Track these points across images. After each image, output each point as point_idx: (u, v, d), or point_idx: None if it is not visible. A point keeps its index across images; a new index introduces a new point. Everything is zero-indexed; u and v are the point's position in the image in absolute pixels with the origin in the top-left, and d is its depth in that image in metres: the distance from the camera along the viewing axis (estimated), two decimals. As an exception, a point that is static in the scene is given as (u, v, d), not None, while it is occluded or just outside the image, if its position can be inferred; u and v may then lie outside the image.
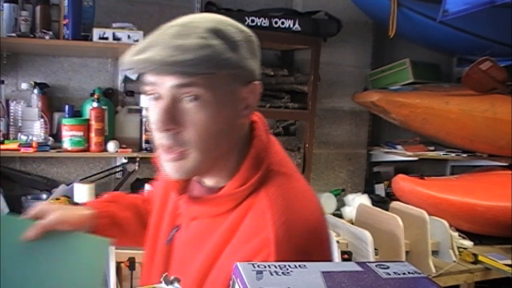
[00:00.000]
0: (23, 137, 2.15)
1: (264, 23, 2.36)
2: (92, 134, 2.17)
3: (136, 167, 2.29)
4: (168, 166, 0.78)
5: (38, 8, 2.19)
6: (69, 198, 2.12)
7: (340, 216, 2.41)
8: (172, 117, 0.74)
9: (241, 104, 0.79)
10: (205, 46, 0.72)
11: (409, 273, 0.66)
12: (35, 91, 2.28)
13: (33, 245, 0.86)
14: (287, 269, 0.63)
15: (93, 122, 2.19)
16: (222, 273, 0.75)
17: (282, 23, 2.40)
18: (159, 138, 0.76)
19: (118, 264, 1.73)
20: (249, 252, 0.74)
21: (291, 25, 2.41)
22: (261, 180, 0.79)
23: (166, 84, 0.73)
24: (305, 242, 0.75)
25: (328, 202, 2.57)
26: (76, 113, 2.33)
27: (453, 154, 2.73)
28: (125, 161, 2.30)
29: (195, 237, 0.83)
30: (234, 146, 0.81)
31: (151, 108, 0.77)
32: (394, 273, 0.66)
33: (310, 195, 0.83)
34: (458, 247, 2.07)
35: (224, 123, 0.76)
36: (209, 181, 0.85)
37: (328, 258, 0.80)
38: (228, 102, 0.76)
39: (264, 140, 0.82)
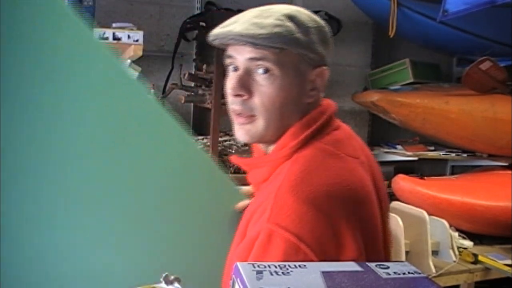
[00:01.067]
0: (23, 137, 2.15)
1: (264, 23, 2.36)
2: (92, 134, 2.17)
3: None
4: (238, 130, 0.89)
5: (38, 8, 2.19)
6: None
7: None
8: (244, 85, 0.84)
9: (309, 85, 0.87)
10: (278, 25, 0.82)
11: (409, 273, 0.66)
12: (35, 91, 2.28)
13: None
14: (287, 269, 0.63)
15: (93, 122, 2.18)
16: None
17: (282, 23, 2.40)
18: (232, 103, 0.87)
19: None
20: (259, 222, 0.80)
21: (291, 25, 2.41)
22: (295, 149, 0.85)
23: (242, 56, 0.85)
24: (317, 197, 0.78)
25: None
26: (76, 113, 2.33)
27: (453, 154, 2.73)
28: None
29: (247, 209, 0.90)
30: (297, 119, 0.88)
31: (229, 78, 0.88)
32: (394, 273, 0.66)
33: (347, 174, 0.83)
34: (458, 247, 2.07)
35: (289, 98, 0.85)
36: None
37: (352, 228, 0.79)
38: (295, 80, 0.85)
39: (315, 117, 0.88)
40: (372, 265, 0.68)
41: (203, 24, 2.49)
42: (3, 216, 0.90)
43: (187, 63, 2.62)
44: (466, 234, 2.24)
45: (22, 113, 0.89)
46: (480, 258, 2.04)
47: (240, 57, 0.85)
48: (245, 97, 0.85)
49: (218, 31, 0.86)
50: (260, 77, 0.84)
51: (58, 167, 0.93)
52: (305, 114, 0.88)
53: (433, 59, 2.96)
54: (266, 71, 0.84)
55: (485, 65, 2.34)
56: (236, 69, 0.87)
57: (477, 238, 2.26)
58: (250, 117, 0.86)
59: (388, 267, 0.67)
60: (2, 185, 0.88)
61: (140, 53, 2.19)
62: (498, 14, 2.25)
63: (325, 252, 0.76)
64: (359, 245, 0.79)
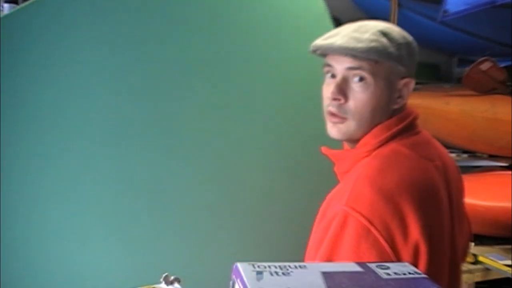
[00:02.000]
0: (23, 137, 2.14)
1: (264, 23, 2.36)
2: (92, 134, 2.17)
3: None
4: (332, 127, 1.00)
5: (38, 8, 2.19)
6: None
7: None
8: (342, 91, 0.96)
9: (396, 93, 0.99)
10: (374, 40, 0.94)
11: (409, 273, 0.66)
12: (35, 91, 2.28)
13: None
14: (287, 269, 0.63)
15: (93, 122, 2.18)
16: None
17: (282, 23, 2.39)
18: (329, 105, 0.99)
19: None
20: (334, 210, 0.91)
21: (291, 25, 2.41)
22: (375, 147, 0.97)
23: (341, 65, 0.97)
24: (389, 189, 0.88)
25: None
26: (76, 113, 2.33)
27: (453, 154, 2.72)
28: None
29: (329, 195, 1.01)
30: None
31: (327, 84, 1.00)
32: (394, 273, 0.65)
33: (418, 172, 0.94)
34: (458, 248, 2.07)
35: (379, 104, 0.97)
36: None
37: (421, 218, 0.88)
38: (385, 88, 0.97)
39: (396, 121, 0.99)
40: (372, 265, 0.68)
41: (203, 24, 2.49)
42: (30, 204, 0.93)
43: (187, 63, 2.62)
44: (466, 234, 2.24)
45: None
46: (480, 258, 2.04)
47: (338, 66, 0.97)
48: (341, 102, 0.97)
49: (321, 43, 0.98)
50: (355, 84, 0.96)
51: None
52: (390, 118, 1.00)
53: (433, 59, 2.96)
54: (361, 79, 0.95)
55: (485, 66, 2.34)
56: (333, 76, 0.99)
57: (477, 238, 2.25)
58: (344, 119, 0.98)
59: (388, 268, 0.67)
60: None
61: (140, 53, 2.18)
62: (498, 14, 2.25)
63: (392, 237, 0.86)
64: (424, 236, 0.87)
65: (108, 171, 1.04)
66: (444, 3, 2.01)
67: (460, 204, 1.09)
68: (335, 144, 1.07)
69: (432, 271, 0.87)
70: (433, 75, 2.88)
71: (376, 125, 0.99)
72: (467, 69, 2.42)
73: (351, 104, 0.97)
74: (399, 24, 2.47)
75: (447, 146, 2.88)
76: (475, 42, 2.52)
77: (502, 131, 2.46)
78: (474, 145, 2.64)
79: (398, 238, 0.86)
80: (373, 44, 0.94)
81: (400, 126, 0.99)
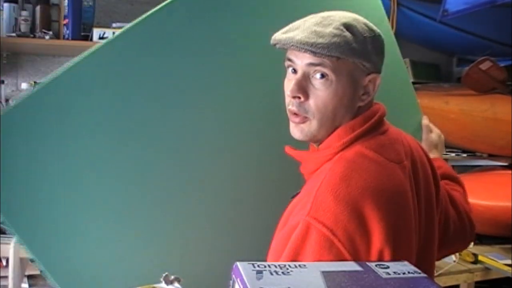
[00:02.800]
0: (23, 137, 2.14)
1: (264, 23, 2.36)
2: (92, 134, 2.17)
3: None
4: (293, 128, 0.96)
5: (38, 8, 2.19)
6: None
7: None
8: (301, 88, 0.91)
9: (361, 90, 0.94)
10: (337, 35, 0.88)
11: (409, 272, 0.66)
12: (35, 91, 2.28)
13: None
14: (287, 269, 0.63)
15: (93, 122, 2.18)
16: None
17: (282, 23, 2.39)
18: (289, 103, 0.95)
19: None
20: (295, 215, 0.88)
21: (291, 25, 2.40)
22: (339, 150, 0.92)
23: (301, 61, 0.91)
24: (353, 198, 0.84)
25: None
26: (76, 113, 2.33)
27: (453, 154, 2.72)
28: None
29: (293, 200, 0.98)
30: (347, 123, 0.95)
31: (288, 79, 0.96)
32: (394, 272, 0.66)
33: (384, 178, 0.89)
34: (458, 247, 2.07)
35: (342, 102, 0.92)
36: None
37: (385, 227, 0.83)
38: (349, 85, 0.92)
39: (361, 121, 0.94)
40: (372, 264, 0.68)
41: (203, 24, 2.49)
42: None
43: (187, 63, 2.62)
44: (466, 234, 2.24)
45: None
46: (480, 258, 2.04)
47: (299, 61, 0.92)
48: (302, 100, 0.92)
49: (280, 37, 0.92)
50: (316, 81, 0.91)
51: None
52: (355, 117, 0.95)
53: (433, 59, 2.95)
54: (323, 76, 0.90)
55: (485, 65, 2.34)
56: (294, 71, 0.94)
57: (477, 238, 2.25)
58: (305, 118, 0.93)
59: (388, 267, 0.67)
60: None
61: (140, 53, 2.19)
62: (498, 14, 2.24)
63: (356, 249, 0.81)
64: (388, 244, 0.83)
65: (110, 169, 1.05)
66: (444, 3, 2.01)
67: (432, 195, 1.04)
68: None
69: None
70: (433, 75, 2.88)
71: (339, 124, 0.94)
72: (466, 68, 2.41)
73: (312, 102, 0.92)
74: (399, 23, 2.49)
75: (447, 146, 2.90)
76: (475, 42, 2.51)
77: (502, 131, 2.46)
78: (473, 144, 2.63)
79: (362, 248, 0.82)
80: (334, 39, 0.88)
81: (365, 127, 0.94)
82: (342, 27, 0.90)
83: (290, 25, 0.94)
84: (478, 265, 2.03)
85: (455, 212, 1.18)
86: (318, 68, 0.90)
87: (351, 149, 0.92)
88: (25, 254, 1.14)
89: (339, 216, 0.82)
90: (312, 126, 0.94)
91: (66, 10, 2.14)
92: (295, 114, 0.94)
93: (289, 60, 0.94)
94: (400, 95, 1.00)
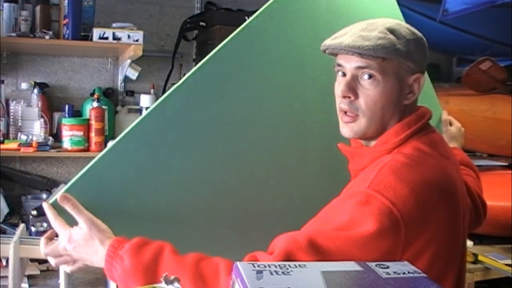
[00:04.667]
0: (23, 137, 2.15)
1: (264, 23, 2.36)
2: (92, 134, 2.17)
3: (136, 167, 2.29)
4: (343, 127, 1.02)
5: (38, 8, 2.19)
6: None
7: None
8: (351, 88, 0.98)
9: (407, 89, 1.00)
10: (382, 38, 0.95)
11: (409, 272, 0.66)
12: (35, 91, 2.28)
13: None
14: (287, 268, 0.63)
15: (93, 122, 2.19)
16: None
17: (282, 23, 2.39)
18: (340, 103, 1.01)
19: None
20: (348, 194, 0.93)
21: (291, 25, 2.41)
22: (397, 145, 0.98)
23: (350, 64, 0.98)
24: (414, 181, 0.89)
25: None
26: (76, 113, 2.33)
27: (453, 154, 2.72)
28: (125, 161, 2.30)
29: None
30: (396, 122, 1.00)
31: (338, 82, 1.03)
32: (394, 272, 0.66)
33: (440, 171, 0.96)
34: (458, 247, 2.07)
35: (390, 100, 0.98)
36: None
37: (440, 218, 0.91)
38: (395, 85, 0.98)
39: (415, 119, 1.01)
40: (372, 264, 0.68)
41: (203, 24, 2.49)
42: None
43: (187, 63, 2.62)
44: (466, 234, 2.24)
45: None
46: (480, 258, 2.04)
47: (348, 65, 0.99)
48: (352, 99, 0.99)
49: (330, 43, 1.00)
50: (365, 82, 0.98)
51: None
52: (402, 114, 1.01)
53: (433, 59, 2.95)
54: (370, 77, 0.97)
55: (485, 65, 2.34)
56: (344, 75, 1.00)
57: (477, 238, 2.25)
58: (355, 116, 1.00)
59: (388, 267, 0.67)
60: None
61: (140, 53, 2.19)
62: (498, 14, 2.24)
63: (411, 226, 0.86)
64: (441, 237, 0.90)
65: None
66: (444, 3, 2.00)
67: (465, 197, 1.11)
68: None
69: (435, 272, 0.89)
70: (433, 75, 2.87)
71: (388, 122, 1.00)
72: (467, 68, 2.41)
73: (361, 101, 0.98)
74: (399, 23, 2.49)
75: (447, 146, 2.88)
76: (475, 42, 2.51)
77: (502, 131, 2.46)
78: (473, 144, 2.63)
79: (416, 228, 0.87)
80: (380, 41, 0.95)
81: (419, 124, 1.00)
82: (386, 31, 0.97)
83: (338, 33, 1.02)
84: (478, 265, 2.03)
85: (470, 200, 1.23)
86: (365, 70, 0.97)
87: (408, 145, 0.98)
88: (25, 254, 1.14)
89: (399, 192, 0.87)
90: (361, 123, 1.00)
91: (66, 10, 2.14)
92: (346, 113, 1.01)
93: (339, 65, 1.01)
94: (422, 91, 1.05)
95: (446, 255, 0.94)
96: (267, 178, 1.22)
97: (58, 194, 0.97)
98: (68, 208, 0.94)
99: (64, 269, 0.97)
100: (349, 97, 0.99)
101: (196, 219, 1.11)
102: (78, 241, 0.92)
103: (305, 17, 1.24)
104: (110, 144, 1.05)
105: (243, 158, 1.17)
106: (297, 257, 0.81)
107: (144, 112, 1.09)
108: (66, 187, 0.97)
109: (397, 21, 1.03)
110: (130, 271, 0.86)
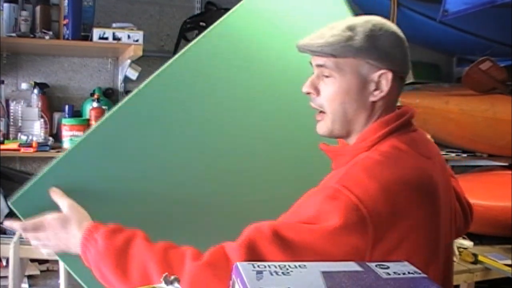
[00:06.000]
0: (23, 137, 2.15)
1: (264, 23, 2.36)
2: (92, 134, 2.17)
3: (136, 167, 2.29)
4: (317, 125, 1.04)
5: (38, 8, 2.19)
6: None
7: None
8: (313, 85, 1.01)
9: (372, 86, 0.98)
10: (335, 35, 0.96)
11: (409, 273, 0.66)
12: (35, 91, 2.28)
13: None
14: (287, 269, 0.63)
15: (93, 122, 2.19)
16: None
17: (282, 23, 2.39)
18: (309, 101, 1.03)
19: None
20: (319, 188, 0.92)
21: (291, 25, 2.41)
22: (375, 142, 0.97)
23: (314, 62, 1.01)
24: (386, 179, 0.88)
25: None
26: (76, 113, 2.33)
27: (453, 154, 2.72)
28: (125, 161, 2.30)
29: None
30: (370, 119, 1.00)
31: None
32: (394, 273, 0.66)
33: (417, 170, 0.93)
34: (458, 247, 2.07)
35: (349, 97, 0.98)
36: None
37: (414, 217, 0.89)
38: (354, 81, 0.97)
39: (394, 117, 0.99)
40: (372, 265, 0.68)
41: (203, 24, 2.49)
42: None
43: (187, 63, 2.62)
44: (466, 234, 2.24)
45: None
46: (480, 258, 2.04)
47: (313, 63, 1.01)
48: (313, 95, 1.01)
49: (298, 43, 1.02)
50: (325, 79, 0.99)
51: None
52: (374, 112, 1.00)
53: (433, 59, 2.96)
54: (328, 76, 0.98)
55: (485, 65, 2.34)
56: (313, 73, 1.03)
57: (477, 238, 2.25)
58: (322, 114, 1.01)
59: (388, 267, 0.67)
60: None
61: (140, 53, 2.19)
62: (498, 14, 2.24)
63: (380, 225, 0.84)
64: (415, 236, 0.88)
65: None
66: (444, 3, 2.01)
67: (451, 203, 1.09)
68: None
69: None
70: (433, 75, 2.88)
71: (355, 119, 1.00)
72: (467, 68, 2.41)
73: (322, 98, 1.00)
74: (399, 24, 2.49)
75: (447, 146, 2.90)
76: (475, 42, 2.51)
77: (502, 131, 2.46)
78: (474, 144, 2.64)
79: (386, 226, 0.85)
80: (331, 39, 0.95)
81: (398, 122, 0.99)
82: (345, 28, 0.96)
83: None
84: (478, 265, 2.03)
85: (458, 204, 1.23)
86: (322, 68, 0.98)
87: (386, 142, 0.96)
88: (25, 254, 1.14)
89: (368, 189, 0.86)
90: (327, 121, 1.01)
91: (66, 10, 2.14)
92: (320, 112, 1.02)
93: (310, 64, 1.03)
94: None
95: (425, 255, 0.91)
96: (233, 181, 1.23)
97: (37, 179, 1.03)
98: (51, 193, 1.00)
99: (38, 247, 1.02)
100: (310, 93, 1.01)
101: (163, 213, 1.14)
102: (55, 225, 0.96)
103: (251, 35, 1.27)
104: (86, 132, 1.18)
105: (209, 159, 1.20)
106: (260, 247, 0.82)
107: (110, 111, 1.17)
108: (45, 170, 1.04)
109: (372, 17, 1.01)
110: (102, 252, 0.89)
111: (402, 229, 0.87)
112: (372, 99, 0.99)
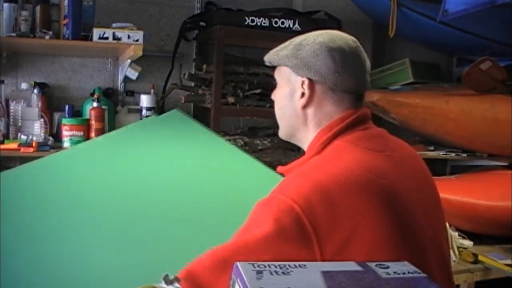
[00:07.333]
0: (23, 137, 2.15)
1: (264, 23, 2.36)
2: (92, 134, 2.17)
3: (136, 167, 2.29)
4: None
5: (38, 8, 2.19)
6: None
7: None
8: (273, 94, 1.11)
9: (299, 93, 1.04)
10: (281, 48, 1.07)
11: (409, 272, 0.66)
12: (35, 91, 2.28)
13: None
14: (287, 268, 0.63)
15: (93, 122, 2.19)
16: None
17: (282, 23, 2.40)
18: None
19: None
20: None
21: (291, 25, 2.41)
22: (320, 149, 0.99)
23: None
24: (320, 180, 0.87)
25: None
26: (76, 113, 2.33)
27: (453, 154, 2.72)
28: (125, 161, 2.30)
29: None
30: (307, 127, 1.05)
31: None
32: (394, 272, 0.66)
33: (357, 165, 0.91)
34: (458, 247, 2.07)
35: (283, 103, 1.08)
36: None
37: (354, 212, 0.84)
38: (285, 88, 1.06)
39: (338, 122, 1.01)
40: (372, 264, 0.68)
41: (203, 24, 2.49)
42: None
43: (187, 63, 2.62)
44: (466, 234, 2.24)
45: None
46: (480, 258, 2.04)
47: None
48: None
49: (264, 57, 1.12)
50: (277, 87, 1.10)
51: None
52: (309, 120, 1.04)
53: (433, 59, 2.96)
54: (277, 83, 1.09)
55: (485, 65, 2.34)
56: None
57: (477, 238, 2.25)
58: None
59: (388, 267, 0.67)
60: None
61: (140, 53, 2.19)
62: (498, 14, 2.24)
63: (317, 221, 0.82)
64: (363, 224, 0.84)
65: None
66: (444, 3, 2.00)
67: (426, 195, 1.03)
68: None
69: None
70: (433, 75, 2.88)
71: (291, 124, 1.07)
72: (467, 68, 2.41)
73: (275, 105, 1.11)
74: (399, 24, 2.49)
75: (447, 146, 2.90)
76: (475, 42, 2.51)
77: (502, 131, 2.46)
78: (474, 144, 2.63)
79: (324, 224, 0.82)
80: (275, 50, 1.08)
81: (343, 124, 1.00)
82: (289, 44, 1.06)
83: None
84: (478, 265, 2.03)
85: None
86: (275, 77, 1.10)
87: (329, 146, 0.99)
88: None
89: (302, 190, 0.85)
90: (280, 126, 1.11)
91: (66, 10, 2.14)
92: None
93: None
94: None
95: (390, 250, 0.85)
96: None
97: None
98: None
99: None
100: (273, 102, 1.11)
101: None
102: None
103: None
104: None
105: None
106: (199, 275, 0.80)
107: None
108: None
109: (326, 32, 1.06)
110: None
111: (347, 224, 0.83)
112: (300, 105, 1.04)
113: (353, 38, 1.08)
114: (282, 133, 1.12)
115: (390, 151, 0.99)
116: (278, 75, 1.08)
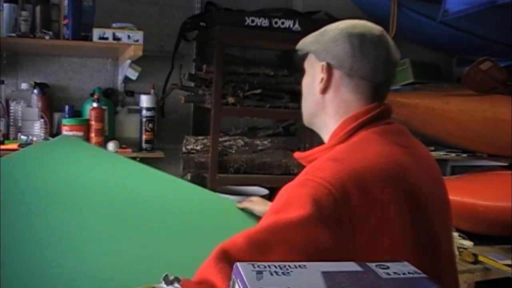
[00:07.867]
0: (23, 137, 2.15)
1: (264, 23, 2.36)
2: (92, 134, 2.17)
3: (136, 167, 2.29)
4: None
5: (38, 8, 2.19)
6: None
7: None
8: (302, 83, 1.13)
9: (319, 78, 1.05)
10: (307, 37, 1.10)
11: (409, 273, 0.66)
12: (35, 91, 2.28)
13: None
14: (287, 269, 0.63)
15: (93, 122, 2.19)
16: None
17: (282, 23, 2.40)
18: None
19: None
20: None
21: (291, 25, 2.41)
22: (345, 138, 0.99)
23: None
24: (352, 165, 0.87)
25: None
26: (76, 113, 2.33)
27: (453, 154, 2.72)
28: (125, 161, 2.30)
29: None
30: (325, 114, 1.06)
31: None
32: (394, 273, 0.65)
33: (383, 157, 0.91)
34: (458, 247, 2.07)
35: (307, 89, 1.10)
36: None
37: (385, 202, 0.85)
38: (310, 73, 1.09)
39: (363, 112, 1.01)
40: (372, 265, 0.68)
41: (203, 24, 2.49)
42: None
43: (187, 63, 2.62)
44: (466, 234, 2.24)
45: None
46: (480, 258, 2.04)
47: None
48: None
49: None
50: None
51: None
52: (327, 106, 1.05)
53: (433, 59, 2.96)
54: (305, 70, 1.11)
55: (485, 65, 2.34)
56: None
57: (477, 238, 2.25)
58: None
59: (388, 267, 0.67)
60: None
61: (140, 53, 2.19)
62: (498, 14, 2.24)
63: (352, 208, 0.81)
64: (387, 214, 0.85)
65: None
66: (444, 3, 2.01)
67: (440, 197, 1.05)
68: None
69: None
70: (433, 75, 2.88)
71: (311, 111, 1.08)
72: (467, 68, 2.41)
73: None
74: (399, 24, 2.49)
75: (447, 146, 2.90)
76: (475, 42, 2.52)
77: (502, 131, 2.46)
78: (474, 145, 2.63)
79: (358, 213, 0.82)
80: (304, 39, 1.10)
81: (368, 116, 1.00)
82: (318, 32, 1.08)
83: None
84: (478, 265, 2.03)
85: None
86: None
87: (356, 136, 0.98)
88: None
89: (338, 174, 0.84)
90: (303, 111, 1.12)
91: (66, 10, 2.14)
92: None
93: None
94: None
95: (411, 247, 0.87)
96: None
97: None
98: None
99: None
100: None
101: None
102: None
103: None
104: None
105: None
106: (237, 258, 0.76)
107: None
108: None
109: (353, 21, 1.06)
110: None
111: (377, 214, 0.83)
112: (319, 90, 1.05)
113: (380, 28, 1.06)
114: (304, 119, 1.13)
115: (412, 148, 1.00)
116: (306, 62, 1.10)
